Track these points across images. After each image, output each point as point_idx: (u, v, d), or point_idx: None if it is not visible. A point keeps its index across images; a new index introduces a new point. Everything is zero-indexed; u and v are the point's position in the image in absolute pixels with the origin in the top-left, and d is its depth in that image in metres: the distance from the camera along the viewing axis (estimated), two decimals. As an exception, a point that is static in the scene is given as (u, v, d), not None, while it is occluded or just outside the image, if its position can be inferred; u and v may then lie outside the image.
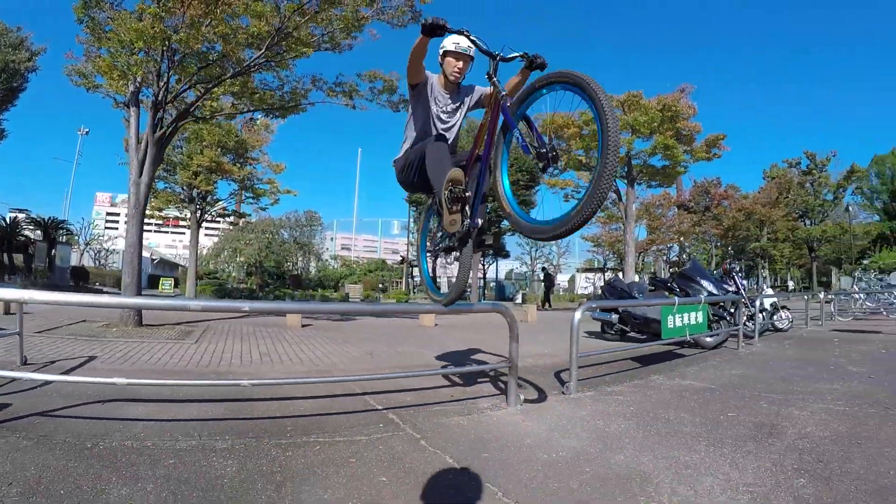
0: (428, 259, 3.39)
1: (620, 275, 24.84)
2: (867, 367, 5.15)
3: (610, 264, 40.91)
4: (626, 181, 21.21)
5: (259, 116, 16.91)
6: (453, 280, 2.96)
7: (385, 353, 6.30)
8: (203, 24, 7.10)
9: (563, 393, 3.87)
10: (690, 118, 19.33)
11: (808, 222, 35.37)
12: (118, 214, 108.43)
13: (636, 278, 27.29)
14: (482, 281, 32.47)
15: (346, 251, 56.72)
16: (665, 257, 40.13)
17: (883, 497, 1.94)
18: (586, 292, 40.74)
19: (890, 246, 47.00)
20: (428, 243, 3.29)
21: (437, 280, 3.37)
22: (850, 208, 38.95)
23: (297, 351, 6.17)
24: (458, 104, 3.01)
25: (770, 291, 10.42)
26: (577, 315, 3.96)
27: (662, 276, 10.17)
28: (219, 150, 17.78)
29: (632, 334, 7.49)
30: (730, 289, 7.58)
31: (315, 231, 31.09)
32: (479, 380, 4.40)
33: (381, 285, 30.80)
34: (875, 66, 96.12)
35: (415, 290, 30.44)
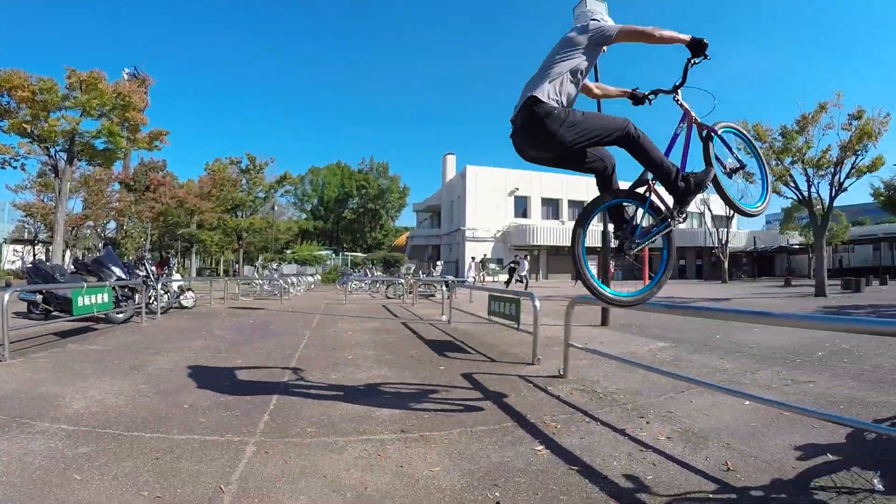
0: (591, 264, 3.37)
1: (46, 254, 25.16)
2: (230, 332, 8.53)
3: (42, 236, 37.45)
4: (65, 158, 21.43)
5: None
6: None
7: None
8: None
9: (1, 360, 5.57)
10: (143, 110, 21.82)
11: (240, 214, 42.14)
12: None
13: (67, 255, 26.68)
14: None
15: None
16: (101, 234, 40.24)
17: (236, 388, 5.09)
18: (14, 267, 35.50)
19: (311, 240, 64.16)
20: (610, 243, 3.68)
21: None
22: (276, 206, 49.70)
23: None
24: None
25: (178, 276, 13.94)
26: (6, 297, 5.69)
27: (95, 255, 12.10)
28: None
29: (55, 313, 8.87)
30: (140, 274, 10.18)
31: None
32: None
33: None
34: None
35: None
